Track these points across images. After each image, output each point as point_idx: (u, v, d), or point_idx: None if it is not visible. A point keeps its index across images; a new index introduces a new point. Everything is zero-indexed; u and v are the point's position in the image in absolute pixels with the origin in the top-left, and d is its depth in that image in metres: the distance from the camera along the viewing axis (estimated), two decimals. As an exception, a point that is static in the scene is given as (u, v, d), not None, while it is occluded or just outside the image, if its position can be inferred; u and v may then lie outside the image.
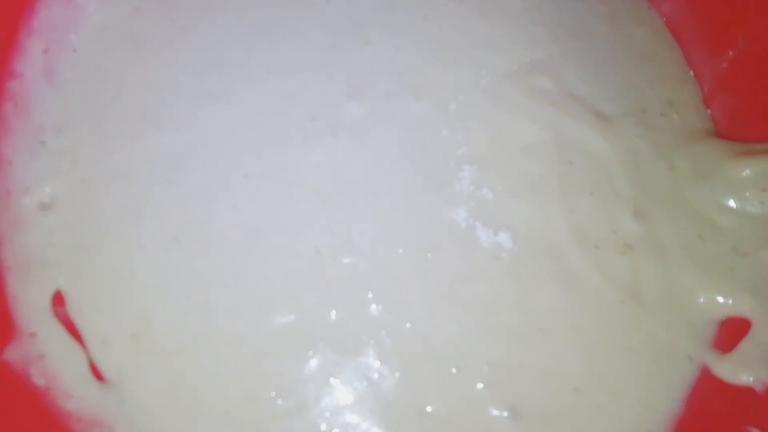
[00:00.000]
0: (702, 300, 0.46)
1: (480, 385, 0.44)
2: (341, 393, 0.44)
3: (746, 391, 0.43)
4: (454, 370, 0.44)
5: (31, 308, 0.44)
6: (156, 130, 0.49)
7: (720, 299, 0.46)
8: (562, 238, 0.47)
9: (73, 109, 0.49)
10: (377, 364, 0.44)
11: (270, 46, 0.51)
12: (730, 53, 0.51)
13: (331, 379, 0.44)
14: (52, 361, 0.43)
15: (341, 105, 0.50)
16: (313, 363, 0.44)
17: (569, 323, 0.45)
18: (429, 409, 0.43)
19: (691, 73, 0.53)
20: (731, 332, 0.45)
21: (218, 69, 0.51)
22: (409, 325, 0.45)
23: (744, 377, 0.44)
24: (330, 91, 0.50)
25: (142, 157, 0.48)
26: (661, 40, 0.54)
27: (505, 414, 0.43)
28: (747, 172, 0.47)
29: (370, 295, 0.45)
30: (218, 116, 0.49)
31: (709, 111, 0.52)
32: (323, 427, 0.43)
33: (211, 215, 0.47)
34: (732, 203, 0.48)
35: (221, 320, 0.44)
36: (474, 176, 0.49)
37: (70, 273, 0.46)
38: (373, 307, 0.45)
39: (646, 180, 0.49)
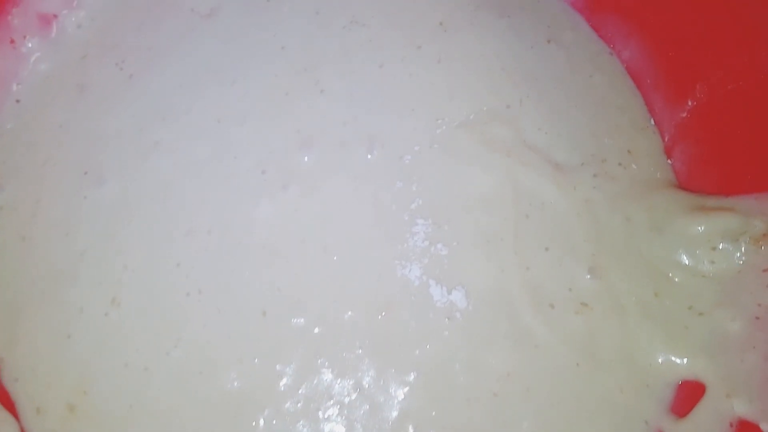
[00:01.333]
0: (659, 361, 0.43)
1: (431, 456, 0.41)
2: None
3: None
4: (402, 439, 0.41)
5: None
6: (98, 183, 0.46)
7: (676, 360, 0.43)
8: (517, 297, 0.44)
9: (13, 162, 0.46)
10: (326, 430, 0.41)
11: (220, 93, 0.48)
12: (690, 103, 0.48)
13: (278, 450, 0.41)
14: (-21, 436, 0.40)
15: (292, 155, 0.47)
16: (255, 434, 0.41)
17: (523, 387, 0.42)
18: (376, 482, 0.41)
19: (652, 121, 0.50)
20: (688, 395, 0.43)
21: (165, 117, 0.47)
22: (357, 392, 0.42)
23: (699, 445, 0.41)
24: (281, 141, 0.47)
25: (83, 212, 0.45)
26: (621, 87, 0.51)
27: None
28: (699, 229, 0.44)
29: (319, 361, 0.42)
30: (163, 168, 0.46)
31: (669, 161, 0.49)
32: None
33: (152, 275, 0.44)
34: (686, 259, 0.45)
35: (160, 388, 0.41)
36: (428, 231, 0.46)
37: (4, 337, 0.43)
38: (323, 372, 0.42)
39: (602, 233, 0.46)
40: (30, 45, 0.48)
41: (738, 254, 0.44)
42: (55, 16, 0.49)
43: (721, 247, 0.45)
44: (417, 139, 0.48)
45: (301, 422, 0.41)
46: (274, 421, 0.41)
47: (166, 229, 0.45)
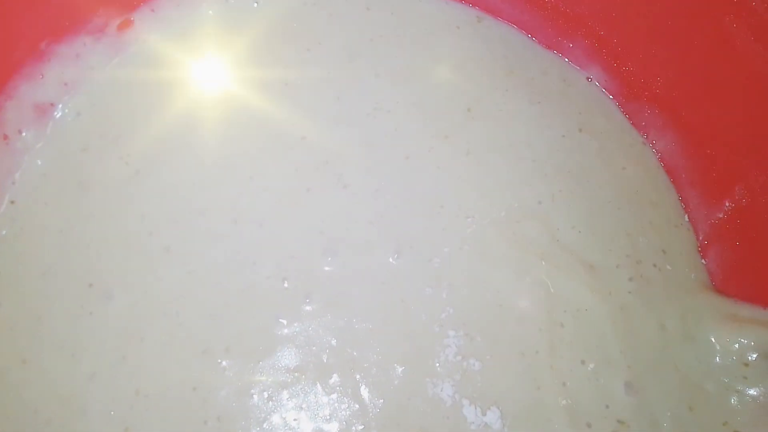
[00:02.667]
0: (698, 484, 0.42)
1: None
2: None
3: None
4: None
5: None
6: (104, 297, 0.42)
7: (715, 484, 0.42)
8: (554, 417, 0.42)
9: (9, 273, 0.42)
10: None
11: (236, 190, 0.45)
12: (727, 204, 0.46)
13: None
14: None
15: (315, 262, 0.44)
16: None
17: None
18: None
19: (686, 217, 0.48)
20: None
21: (177, 220, 0.44)
22: None
23: None
24: (303, 245, 0.44)
25: (90, 330, 0.41)
26: (655, 180, 0.49)
27: None
28: (730, 341, 0.43)
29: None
30: (176, 279, 0.42)
31: (704, 261, 0.47)
32: None
33: (167, 401, 0.40)
34: (719, 372, 0.43)
35: None
36: (460, 343, 0.43)
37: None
38: None
39: (637, 343, 0.44)
40: (25, 138, 0.43)
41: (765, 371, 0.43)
42: (52, 104, 0.44)
43: (753, 361, 0.43)
44: (446, 240, 0.45)
45: None
46: None
47: (180, 348, 0.41)
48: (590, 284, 0.45)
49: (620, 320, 0.45)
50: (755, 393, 0.43)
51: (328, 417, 0.40)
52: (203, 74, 0.47)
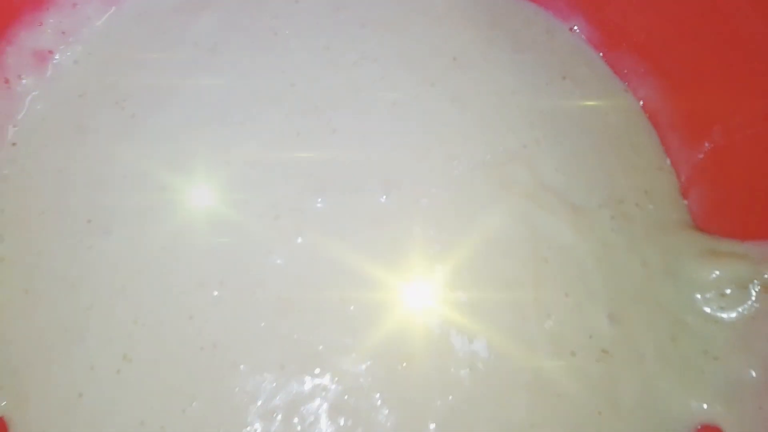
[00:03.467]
0: (677, 407, 0.43)
1: None
2: None
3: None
4: (427, 497, 0.40)
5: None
6: (103, 232, 0.43)
7: (694, 406, 0.43)
8: (539, 346, 0.44)
9: (12, 211, 0.44)
10: None
11: (228, 134, 0.46)
12: (707, 145, 0.47)
13: None
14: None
15: (306, 201, 0.45)
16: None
17: (548, 437, 0.42)
18: None
19: (668, 161, 0.50)
20: (709, 441, 0.43)
21: (171, 161, 0.45)
22: (379, 447, 0.41)
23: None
24: (293, 185, 0.46)
25: (89, 264, 0.43)
26: (637, 126, 0.50)
27: None
28: (709, 274, 0.45)
29: (341, 419, 0.41)
30: (171, 216, 0.44)
31: (685, 201, 0.49)
32: None
33: (164, 329, 0.42)
34: (698, 304, 0.45)
35: (178, 450, 0.40)
36: (448, 278, 0.44)
37: (13, 397, 0.41)
38: (341, 424, 0.41)
39: (620, 278, 0.46)
40: (25, 84, 0.45)
41: (749, 301, 0.44)
42: (51, 52, 0.46)
43: (729, 293, 0.45)
44: (433, 181, 0.47)
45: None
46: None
47: (177, 280, 0.43)
48: (573, 222, 0.47)
49: (603, 256, 0.46)
50: (732, 321, 0.44)
51: (321, 340, 0.42)
52: (194, 26, 0.49)
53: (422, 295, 0.44)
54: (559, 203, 0.47)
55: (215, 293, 0.43)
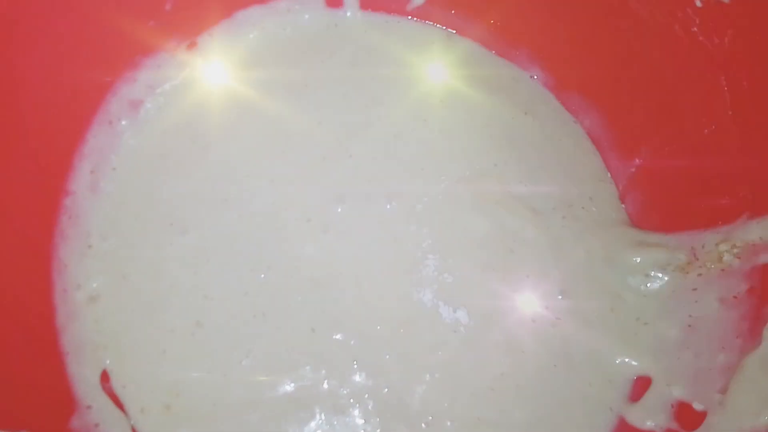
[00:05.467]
0: (617, 361, 0.54)
1: (444, 438, 0.51)
2: (334, 447, 0.51)
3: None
4: (423, 426, 0.51)
5: (86, 385, 0.50)
6: (181, 232, 0.56)
7: (630, 361, 0.54)
8: (508, 314, 0.55)
9: (114, 218, 0.56)
10: (362, 422, 0.51)
11: (272, 160, 0.59)
12: (637, 161, 0.59)
13: (324, 435, 0.51)
14: (105, 428, 0.49)
15: (330, 207, 0.57)
16: (311, 424, 0.51)
17: (514, 384, 0.52)
18: (404, 459, 0.50)
19: (609, 174, 0.61)
20: (642, 386, 0.53)
21: (231, 180, 0.58)
22: (386, 389, 0.52)
23: (649, 423, 0.51)
24: (321, 196, 0.57)
25: (171, 255, 0.55)
26: (583, 148, 0.62)
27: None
28: (636, 260, 0.56)
29: (355, 365, 0.52)
30: (231, 220, 0.56)
31: (623, 205, 0.60)
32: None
33: (227, 302, 0.54)
34: (630, 283, 0.56)
35: (236, 390, 0.51)
36: (437, 264, 0.56)
37: (114, 354, 0.52)
38: (358, 375, 0.52)
39: (568, 263, 0.57)
40: (123, 124, 0.58)
41: (666, 279, 0.55)
42: (142, 101, 0.59)
43: (652, 275, 0.56)
44: (426, 192, 0.58)
45: (341, 416, 0.51)
46: (323, 415, 0.51)
47: (236, 266, 0.55)
48: (533, 222, 0.57)
49: (556, 248, 0.57)
50: (657, 295, 0.55)
51: (342, 310, 0.54)
52: (246, 83, 0.62)
53: (418, 277, 0.55)
54: (523, 207, 0.58)
55: (263, 276, 0.55)
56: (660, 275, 0.55)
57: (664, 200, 0.58)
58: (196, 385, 0.51)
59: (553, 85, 0.64)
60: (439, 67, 0.64)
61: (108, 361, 0.52)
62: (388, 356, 0.53)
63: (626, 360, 0.54)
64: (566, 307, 0.55)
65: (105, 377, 0.51)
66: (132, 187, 0.57)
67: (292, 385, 0.52)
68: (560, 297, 0.56)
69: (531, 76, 0.65)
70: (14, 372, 0.47)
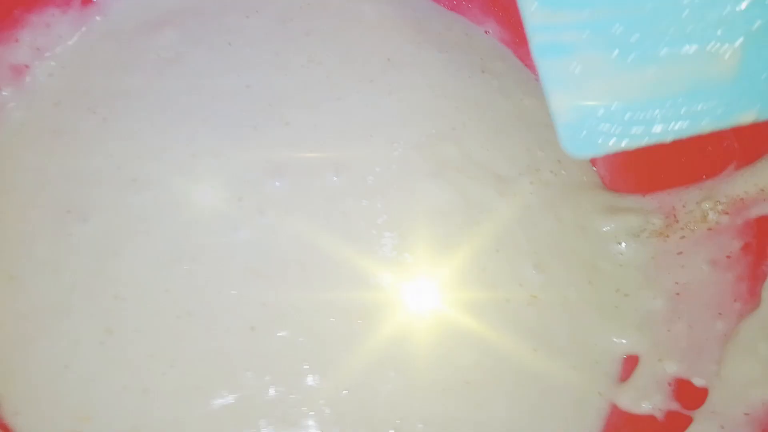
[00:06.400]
0: (601, 340, 0.49)
1: (417, 444, 0.44)
2: (285, 468, 0.43)
3: (650, 420, 0.45)
4: (392, 431, 0.44)
5: (-35, 415, 0.40)
6: (81, 220, 0.46)
7: (614, 338, 0.49)
8: (478, 296, 0.49)
9: (-5, 205, 0.46)
10: None
11: (191, 132, 0.50)
12: (606, 117, 0.55)
13: (275, 455, 0.43)
14: (-8, 469, 0.40)
15: (266, 183, 0.49)
16: (256, 441, 0.43)
17: (491, 374, 0.46)
18: (372, 474, 0.43)
19: (576, 134, 0.57)
20: (633, 366, 0.48)
21: (141, 156, 0.49)
22: (345, 391, 0.44)
23: (644, 405, 0.46)
24: (254, 171, 0.49)
25: (69, 248, 0.46)
26: (546, 107, 0.57)
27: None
28: (607, 228, 0.51)
29: (306, 366, 0.45)
30: (143, 203, 0.47)
31: (594, 168, 0.56)
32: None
33: (143, 302, 0.45)
34: (604, 252, 0.51)
35: (160, 408, 0.42)
36: (395, 242, 0.49)
37: (2, 374, 0.42)
38: (310, 377, 0.45)
39: (539, 233, 0.51)
40: (4, 95, 0.48)
41: (643, 245, 0.51)
42: (27, 66, 0.49)
43: (629, 242, 0.51)
44: (377, 162, 0.51)
45: (297, 426, 0.43)
46: (271, 428, 0.43)
47: (152, 259, 0.46)
48: (499, 189, 0.52)
49: (524, 217, 0.52)
50: (636, 263, 0.51)
51: (286, 302, 0.46)
52: (156, 40, 0.53)
53: (374, 258, 0.49)
54: (486, 174, 0.52)
55: (186, 268, 0.46)
56: (632, 243, 0.51)
57: (639, 158, 0.52)
58: (109, 405, 0.42)
59: (510, 40, 0.59)
60: (382, 22, 0.57)
61: (-7, 384, 0.43)
62: (344, 354, 0.46)
63: (610, 337, 0.49)
64: (541, 283, 0.50)
65: (-9, 404, 0.42)
66: (18, 169, 0.48)
67: (230, 397, 0.43)
68: (534, 272, 0.50)
69: (485, 31, 0.59)
70: None
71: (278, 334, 0.45)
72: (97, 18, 0.53)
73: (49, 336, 0.43)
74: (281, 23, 0.56)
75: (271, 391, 0.44)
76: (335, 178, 0.50)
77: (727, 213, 0.47)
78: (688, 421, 0.42)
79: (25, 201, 0.47)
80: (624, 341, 0.49)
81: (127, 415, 0.42)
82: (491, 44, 0.59)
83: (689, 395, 0.44)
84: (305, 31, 0.55)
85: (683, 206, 0.50)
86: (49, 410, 0.42)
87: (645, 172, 0.53)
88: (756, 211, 0.46)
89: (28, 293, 0.44)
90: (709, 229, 0.48)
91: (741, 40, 0.36)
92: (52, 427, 0.42)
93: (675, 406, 0.44)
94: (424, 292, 0.48)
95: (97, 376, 0.43)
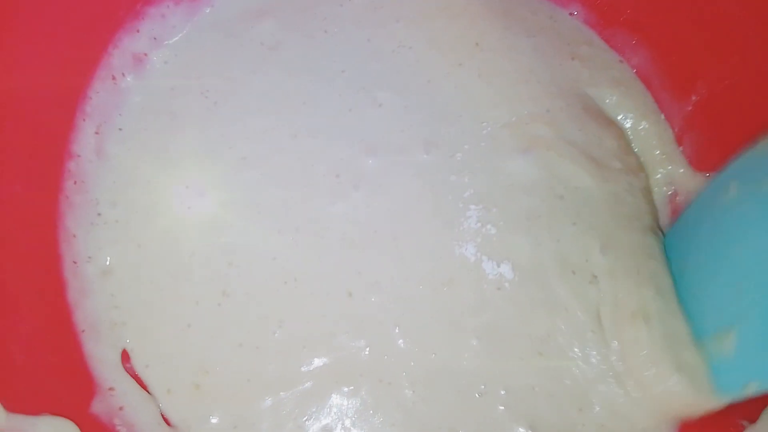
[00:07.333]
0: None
1: (501, 408, 0.48)
2: (380, 421, 0.47)
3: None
4: (477, 396, 0.48)
5: (106, 366, 0.47)
6: (199, 195, 0.52)
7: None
8: (550, 264, 0.51)
9: (123, 182, 0.52)
10: (410, 393, 0.48)
11: (292, 113, 0.55)
12: (693, 98, 0.56)
13: (371, 411, 0.47)
14: (130, 411, 0.46)
15: (360, 161, 0.53)
16: (355, 398, 0.47)
17: (558, 348, 0.49)
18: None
19: (662, 116, 0.58)
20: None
21: (248, 137, 0.54)
22: (433, 355, 0.48)
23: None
24: (349, 149, 0.54)
25: (189, 220, 0.51)
26: (633, 90, 0.59)
27: (528, 432, 0.47)
28: None
29: (396, 330, 0.49)
30: (253, 179, 0.52)
31: (680, 148, 0.57)
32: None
33: (254, 269, 0.50)
34: None
35: (270, 363, 0.48)
36: (480, 215, 0.52)
37: (134, 332, 0.49)
38: (401, 341, 0.49)
39: (618, 222, 0.53)
40: (128, 80, 0.54)
41: None
42: (146, 54, 0.55)
43: None
44: (466, 140, 0.54)
45: (391, 385, 0.48)
46: (367, 387, 0.48)
47: (261, 229, 0.51)
48: (589, 170, 0.53)
49: (611, 202, 0.53)
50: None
51: (379, 271, 0.50)
52: (258, 29, 0.58)
53: (459, 230, 0.52)
54: (578, 153, 0.54)
55: (292, 237, 0.51)
56: None
57: (725, 139, 0.54)
58: (226, 360, 0.48)
59: (595, 21, 0.60)
60: (468, 7, 0.60)
61: (128, 340, 0.49)
62: (430, 320, 0.50)
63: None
64: (604, 266, 0.51)
65: (126, 357, 0.48)
66: (140, 148, 0.53)
67: (331, 355, 0.48)
68: (600, 253, 0.51)
69: (570, 13, 0.61)
70: (27, 353, 0.44)
71: (371, 300, 0.50)
72: (206, 10, 0.58)
73: (174, 297, 0.49)
74: (372, 10, 0.59)
75: (366, 352, 0.48)
76: (425, 156, 0.54)
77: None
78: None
79: (148, 178, 0.52)
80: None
81: (242, 370, 0.48)
82: (576, 27, 0.61)
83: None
84: (395, 18, 0.59)
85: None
86: (174, 364, 0.48)
87: (731, 152, 0.54)
88: None
89: (154, 260, 0.50)
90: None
91: None
92: (176, 380, 0.48)
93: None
94: (503, 262, 0.51)
95: (215, 335, 0.49)
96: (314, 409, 0.47)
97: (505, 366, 0.49)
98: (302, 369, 0.48)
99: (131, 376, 0.47)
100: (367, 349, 0.49)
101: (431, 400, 0.48)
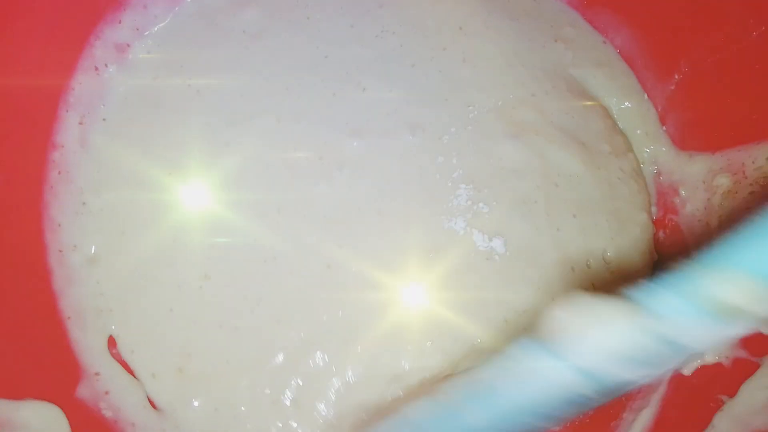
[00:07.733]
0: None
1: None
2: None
3: (717, 367, 0.47)
4: (478, 341, 0.49)
5: (92, 351, 0.47)
6: (182, 181, 0.52)
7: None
8: (547, 253, 0.51)
9: (107, 171, 0.53)
10: (410, 348, 0.49)
11: (276, 98, 0.55)
12: (676, 76, 0.56)
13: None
14: (116, 396, 0.46)
15: (344, 143, 0.53)
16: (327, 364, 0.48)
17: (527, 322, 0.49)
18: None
19: (646, 96, 0.58)
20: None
21: (232, 122, 0.54)
22: (423, 315, 0.49)
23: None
24: (333, 133, 0.54)
25: (170, 207, 0.52)
26: (617, 70, 0.59)
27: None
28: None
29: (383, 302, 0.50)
30: (235, 163, 0.53)
31: (664, 127, 0.57)
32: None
33: (235, 249, 0.50)
34: None
35: (249, 341, 0.48)
36: (470, 194, 0.52)
37: (119, 318, 0.49)
38: (380, 299, 0.49)
39: (621, 222, 0.54)
40: (110, 71, 0.55)
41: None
42: (128, 44, 0.56)
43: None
44: (452, 123, 0.55)
45: (381, 354, 0.49)
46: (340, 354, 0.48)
47: (243, 211, 0.51)
48: (579, 155, 0.54)
49: (607, 192, 0.54)
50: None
51: (361, 246, 0.51)
52: (241, 18, 0.59)
53: (448, 206, 0.52)
54: (569, 139, 0.54)
55: (274, 217, 0.51)
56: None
57: (708, 117, 0.54)
58: (207, 342, 0.48)
59: (578, 2, 0.61)
60: (452, -8, 0.60)
61: (113, 326, 0.49)
62: (415, 282, 0.50)
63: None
64: (605, 274, 0.52)
65: (112, 342, 0.48)
66: (124, 138, 0.54)
67: (305, 327, 0.49)
68: (602, 260, 0.52)
69: (552, -6, 0.62)
70: (12, 339, 0.44)
71: (354, 275, 0.50)
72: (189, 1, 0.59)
73: (156, 283, 0.50)
74: (354, -4, 0.60)
75: (340, 314, 0.49)
76: (410, 137, 0.54)
77: (799, 165, 0.48)
78: (755, 366, 0.44)
79: (131, 166, 0.53)
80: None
81: (222, 351, 0.48)
82: (560, 8, 0.61)
83: (757, 344, 0.45)
84: (378, 3, 0.59)
85: (752, 162, 0.51)
86: (158, 349, 0.48)
87: (715, 130, 0.54)
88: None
89: (137, 247, 0.50)
90: (780, 182, 0.49)
91: None
92: (161, 364, 0.48)
93: (742, 353, 0.46)
94: (495, 237, 0.51)
95: (196, 317, 0.49)
96: (292, 383, 0.48)
97: (478, 328, 0.50)
98: (276, 344, 0.48)
99: (117, 361, 0.47)
100: (340, 311, 0.49)
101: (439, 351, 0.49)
